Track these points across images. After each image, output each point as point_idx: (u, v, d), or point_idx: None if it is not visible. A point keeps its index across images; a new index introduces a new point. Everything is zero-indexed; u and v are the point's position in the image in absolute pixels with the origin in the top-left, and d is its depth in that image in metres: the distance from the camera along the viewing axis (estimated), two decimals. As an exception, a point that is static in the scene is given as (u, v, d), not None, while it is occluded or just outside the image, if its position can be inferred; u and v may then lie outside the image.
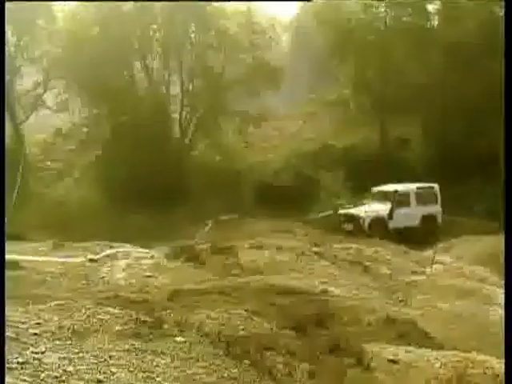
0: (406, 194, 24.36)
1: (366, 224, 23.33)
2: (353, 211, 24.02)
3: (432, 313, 10.16)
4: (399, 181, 24.81)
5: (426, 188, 24.73)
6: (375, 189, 24.97)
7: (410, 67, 28.18)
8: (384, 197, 24.47)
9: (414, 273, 13.50)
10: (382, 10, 30.30)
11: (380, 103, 30.08)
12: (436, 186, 24.54)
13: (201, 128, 30.93)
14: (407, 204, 24.26)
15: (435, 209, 24.56)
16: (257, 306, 8.64)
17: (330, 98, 33.21)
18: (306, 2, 35.47)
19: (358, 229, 23.04)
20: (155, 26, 30.57)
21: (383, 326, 8.55)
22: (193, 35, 30.89)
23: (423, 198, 24.56)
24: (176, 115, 31.07)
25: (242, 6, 31.40)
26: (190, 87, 31.12)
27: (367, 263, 13.05)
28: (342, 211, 24.35)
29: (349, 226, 23.35)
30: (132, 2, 29.56)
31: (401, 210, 23.83)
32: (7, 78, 30.66)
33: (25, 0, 27.79)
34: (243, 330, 7.12)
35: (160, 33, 30.60)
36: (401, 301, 11.01)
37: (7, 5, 29.97)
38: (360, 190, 25.61)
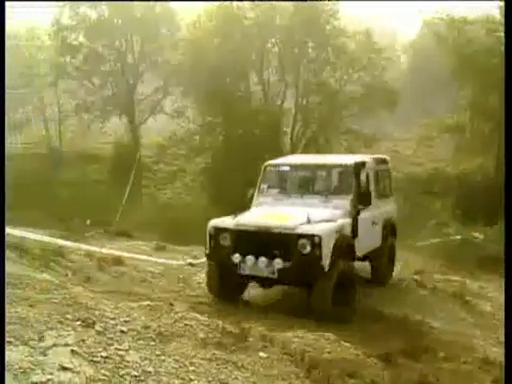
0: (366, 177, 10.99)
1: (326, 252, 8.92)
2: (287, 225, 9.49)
3: (535, 359, 9.45)
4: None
5: (381, 164, 12.58)
6: (276, 162, 12.06)
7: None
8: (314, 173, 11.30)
9: (520, 313, 12.67)
10: (507, 34, 28.99)
11: (499, 130, 28.76)
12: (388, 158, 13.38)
13: (312, 144, 30.84)
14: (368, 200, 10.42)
15: (392, 208, 13.10)
16: (347, 329, 8.43)
17: (447, 122, 32.15)
18: (428, 23, 34.62)
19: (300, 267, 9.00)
20: (274, 41, 30.93)
21: (479, 367, 8.06)
22: (310, 50, 30.96)
23: (380, 186, 12.33)
24: (288, 129, 31.23)
25: (361, 25, 31.21)
26: (305, 102, 31.17)
27: (468, 298, 12.39)
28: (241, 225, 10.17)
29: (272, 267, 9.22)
30: (253, 16, 30.14)
31: (363, 213, 10.24)
32: (130, 82, 32.21)
33: (26, 0, 29.03)
34: (329, 353, 6.94)
35: (278, 47, 30.92)
36: (502, 342, 10.36)
37: (133, 15, 31.43)
38: (469, 220, 24.51)
